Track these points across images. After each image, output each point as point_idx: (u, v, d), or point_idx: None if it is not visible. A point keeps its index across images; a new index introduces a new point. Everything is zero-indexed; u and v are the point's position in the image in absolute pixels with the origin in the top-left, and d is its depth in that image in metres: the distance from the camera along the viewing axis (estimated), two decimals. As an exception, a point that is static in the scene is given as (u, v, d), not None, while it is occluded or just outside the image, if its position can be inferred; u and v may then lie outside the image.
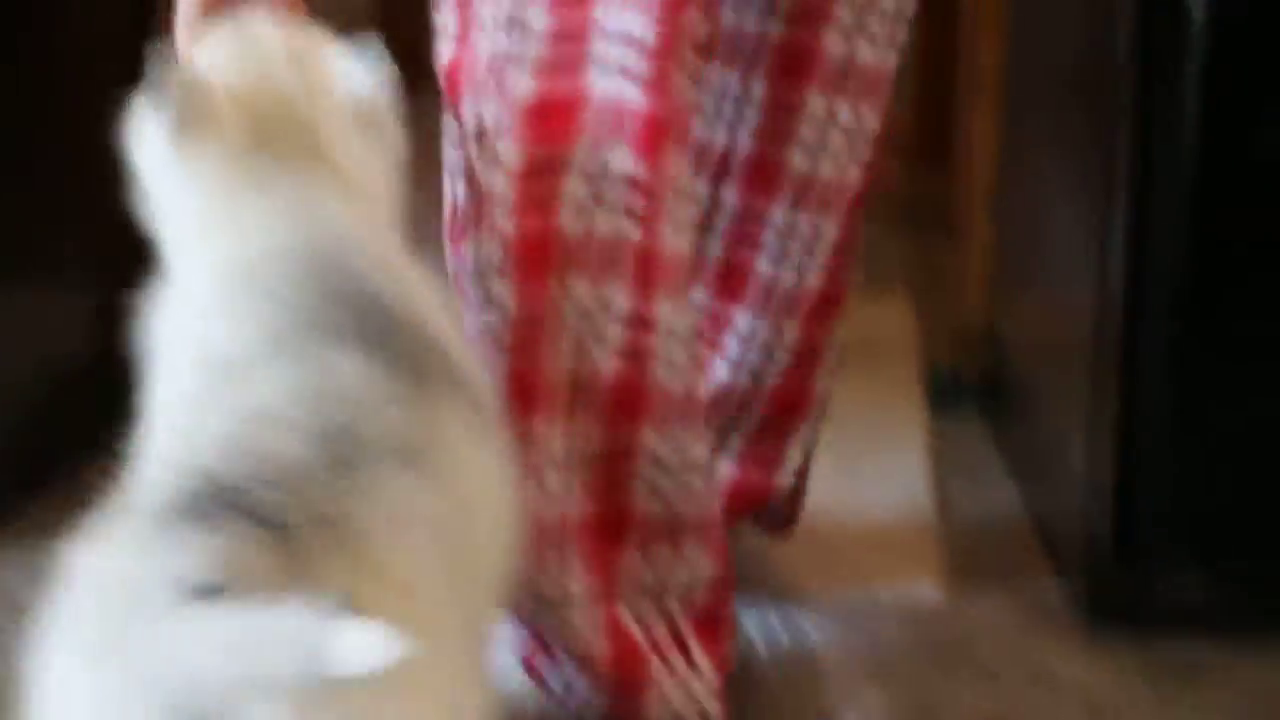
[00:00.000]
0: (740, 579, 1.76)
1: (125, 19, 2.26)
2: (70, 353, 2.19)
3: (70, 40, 2.11)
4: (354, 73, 1.24)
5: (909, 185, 3.96)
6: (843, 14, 1.67)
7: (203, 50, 1.24)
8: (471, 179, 1.51)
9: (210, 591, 0.84)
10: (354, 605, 0.84)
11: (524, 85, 1.47)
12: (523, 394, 1.44)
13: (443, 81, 1.56)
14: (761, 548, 1.94)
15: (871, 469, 2.18)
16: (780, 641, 1.78)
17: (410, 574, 0.93)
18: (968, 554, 1.99)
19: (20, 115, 2.00)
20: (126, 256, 2.23)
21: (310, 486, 0.91)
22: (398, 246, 1.21)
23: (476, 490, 1.03)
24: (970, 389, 2.48)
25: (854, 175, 1.73)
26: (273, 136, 1.19)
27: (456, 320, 1.25)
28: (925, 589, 1.88)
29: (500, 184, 1.47)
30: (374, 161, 1.24)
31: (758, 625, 1.80)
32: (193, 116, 1.18)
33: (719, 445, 1.75)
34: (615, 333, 1.47)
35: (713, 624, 1.59)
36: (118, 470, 1.05)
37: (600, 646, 1.51)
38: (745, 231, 1.74)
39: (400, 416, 0.97)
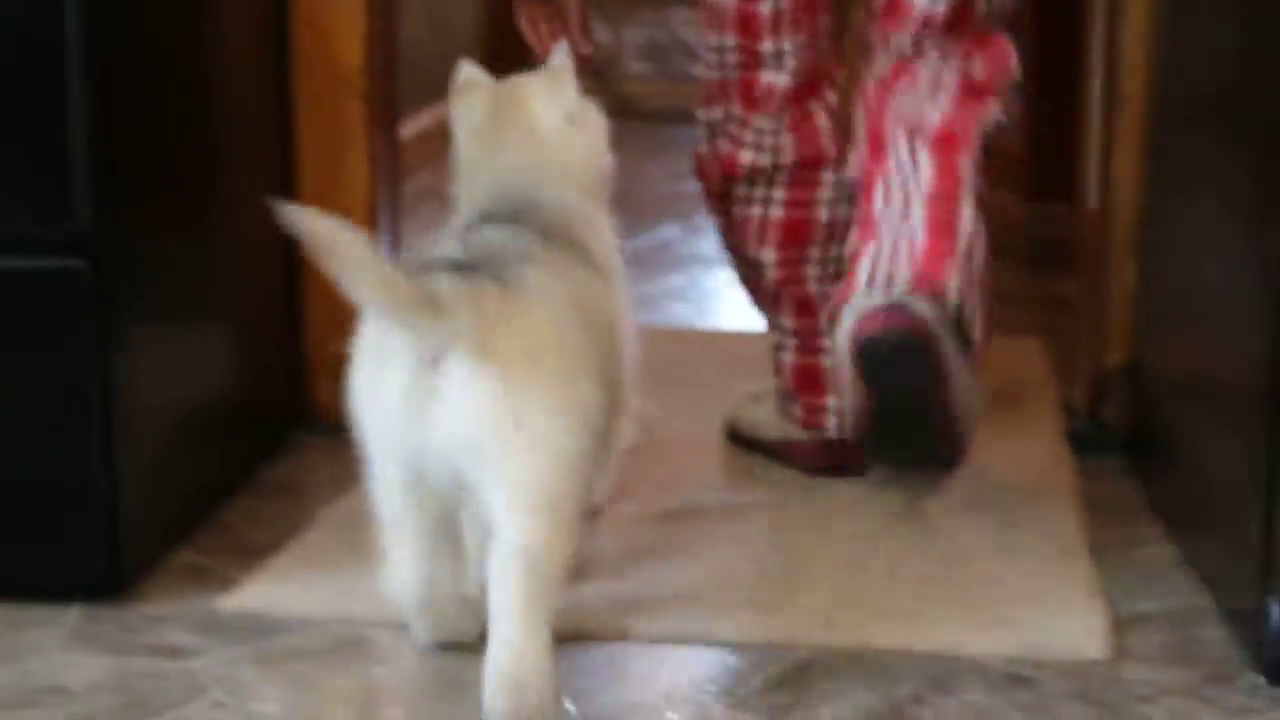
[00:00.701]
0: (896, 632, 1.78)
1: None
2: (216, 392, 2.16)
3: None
4: (568, 90, 1.91)
5: (1027, 218, 3.92)
6: None
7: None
8: None
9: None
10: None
11: None
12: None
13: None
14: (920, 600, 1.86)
15: (1023, 518, 2.10)
16: (941, 702, 1.68)
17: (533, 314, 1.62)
18: (1128, 606, 1.90)
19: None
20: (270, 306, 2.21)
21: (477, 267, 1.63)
22: (576, 193, 1.88)
23: (581, 296, 1.70)
24: (1113, 433, 2.42)
25: None
26: (505, 122, 1.90)
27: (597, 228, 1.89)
28: (1091, 646, 1.79)
29: None
30: (574, 141, 1.91)
31: (919, 682, 1.71)
32: (462, 92, 1.93)
33: None
34: None
35: None
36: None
37: None
38: None
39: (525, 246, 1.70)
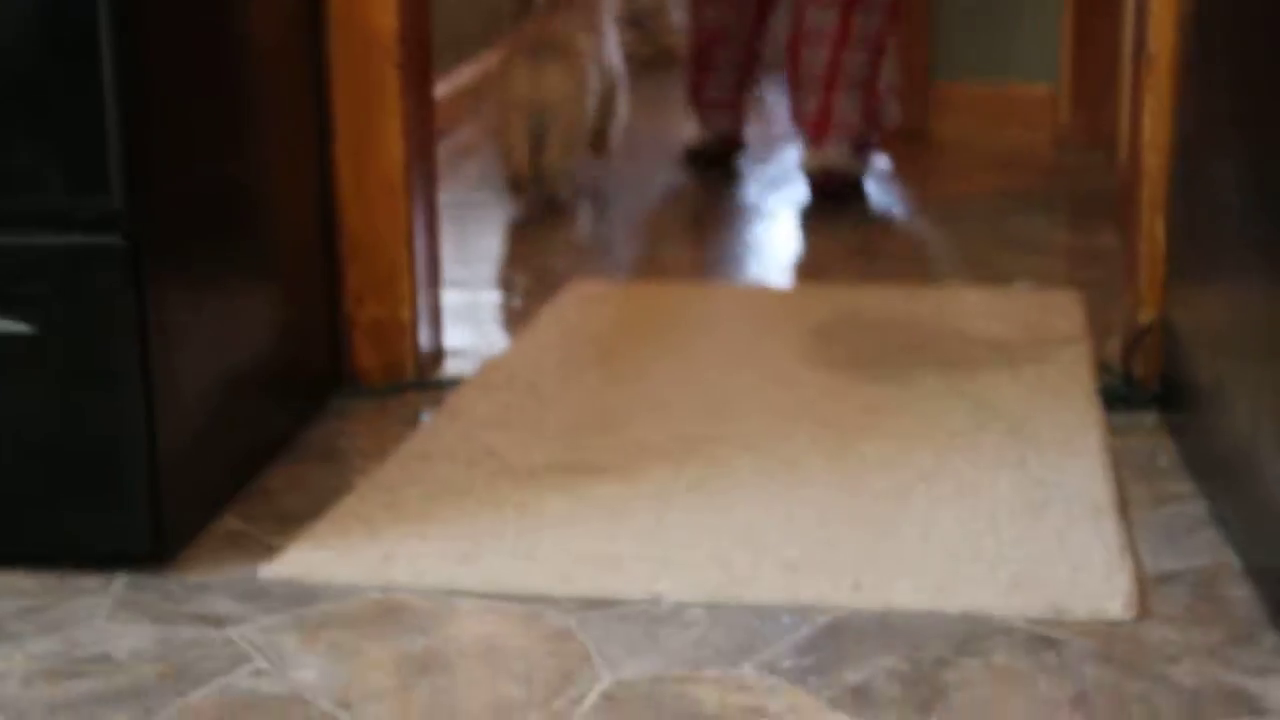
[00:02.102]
0: (923, 595, 1.80)
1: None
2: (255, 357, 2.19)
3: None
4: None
5: (1069, 170, 3.92)
6: None
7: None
8: None
9: None
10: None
11: None
12: None
13: None
14: (949, 561, 1.88)
15: (1054, 476, 2.12)
16: (966, 665, 1.71)
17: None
18: (1155, 565, 1.92)
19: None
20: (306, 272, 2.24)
21: None
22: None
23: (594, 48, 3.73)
24: (1144, 389, 2.43)
25: None
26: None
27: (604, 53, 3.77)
28: (1115, 607, 1.81)
29: None
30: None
31: (945, 645, 1.74)
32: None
33: None
34: None
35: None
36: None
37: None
38: None
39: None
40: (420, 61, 2.54)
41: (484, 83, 4.64)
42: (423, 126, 2.55)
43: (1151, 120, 2.40)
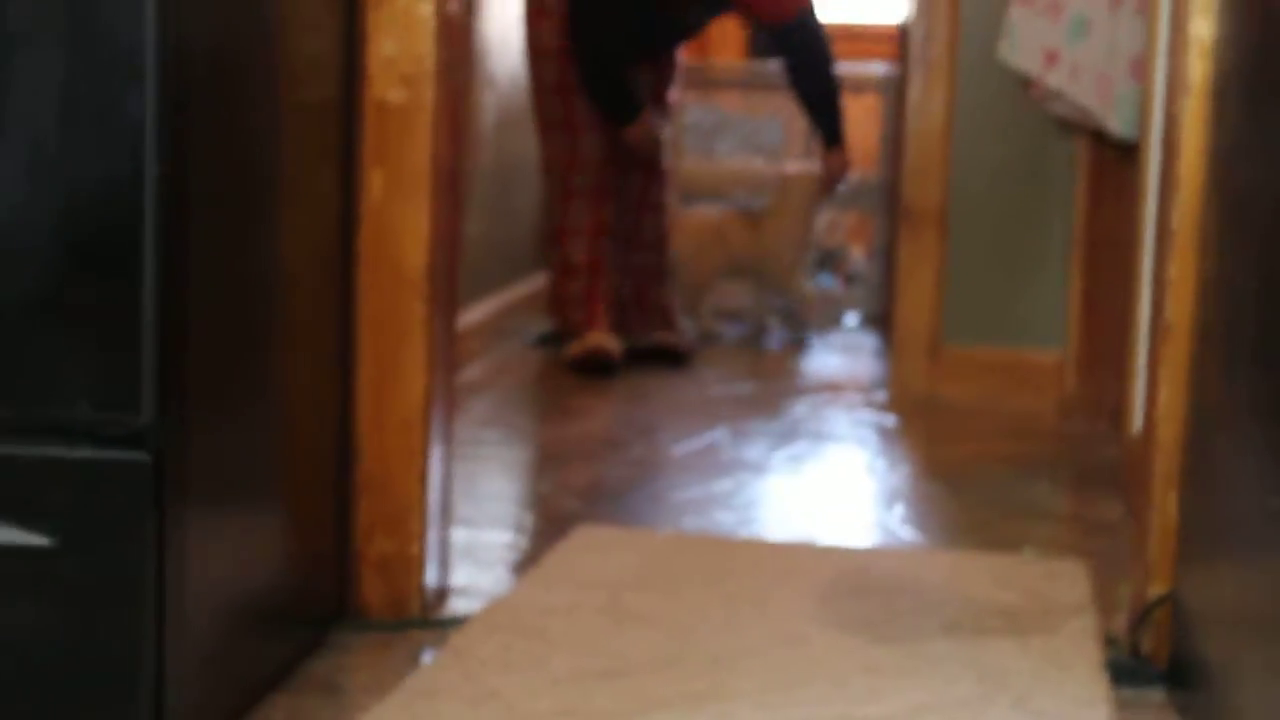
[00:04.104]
0: None
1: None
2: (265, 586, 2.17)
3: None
4: None
5: (1073, 438, 3.94)
6: None
7: None
8: None
9: None
10: None
11: None
12: None
13: None
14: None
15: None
16: None
17: None
18: None
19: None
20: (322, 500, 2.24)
21: None
22: None
23: None
24: (1152, 665, 2.41)
25: None
26: None
27: None
28: None
29: None
30: None
31: None
32: None
33: None
34: None
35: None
36: None
37: None
38: None
39: None
40: (447, 297, 2.57)
41: (496, 321, 4.68)
42: (445, 362, 2.57)
43: (1168, 391, 2.42)
